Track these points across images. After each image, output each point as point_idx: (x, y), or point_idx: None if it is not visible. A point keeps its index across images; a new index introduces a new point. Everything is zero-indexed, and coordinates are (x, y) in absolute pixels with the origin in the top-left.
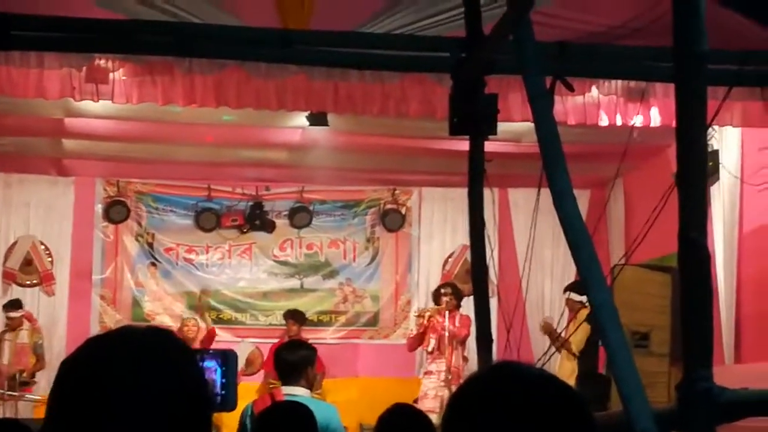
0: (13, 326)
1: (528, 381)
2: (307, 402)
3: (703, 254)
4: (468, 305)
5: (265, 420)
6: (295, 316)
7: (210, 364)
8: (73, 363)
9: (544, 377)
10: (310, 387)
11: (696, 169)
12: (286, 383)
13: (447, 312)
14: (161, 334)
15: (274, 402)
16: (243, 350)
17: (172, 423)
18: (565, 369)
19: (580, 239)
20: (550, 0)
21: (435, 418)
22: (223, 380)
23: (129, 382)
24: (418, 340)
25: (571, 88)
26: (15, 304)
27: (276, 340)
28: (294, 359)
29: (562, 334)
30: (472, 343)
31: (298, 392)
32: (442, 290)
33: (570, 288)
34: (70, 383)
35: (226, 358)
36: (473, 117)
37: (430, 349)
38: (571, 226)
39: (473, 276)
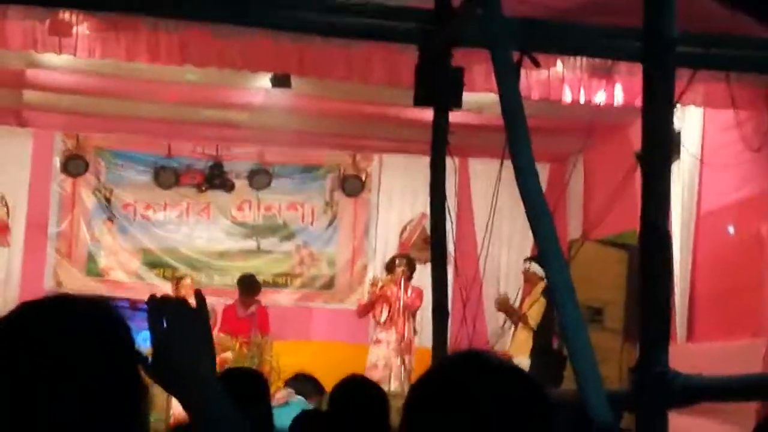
0: None
1: (497, 378)
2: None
3: (665, 239)
4: (420, 276)
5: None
6: (241, 285)
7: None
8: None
9: (515, 374)
10: None
11: (661, 154)
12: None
13: (401, 282)
14: (97, 307)
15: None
16: None
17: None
18: (519, 339)
19: (540, 216)
20: None
21: (385, 387)
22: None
23: (56, 358)
24: (369, 307)
25: (537, 64)
26: None
27: (231, 301)
28: None
29: (519, 308)
30: (420, 315)
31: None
32: (396, 261)
33: (532, 259)
34: None
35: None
36: (438, 89)
37: (382, 319)
38: (532, 202)
39: (432, 247)
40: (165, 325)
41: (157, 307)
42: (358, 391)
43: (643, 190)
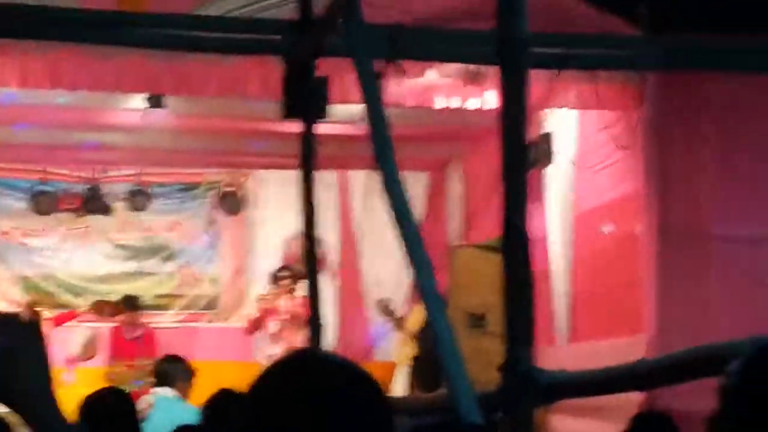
0: None
1: (323, 370)
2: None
3: (523, 238)
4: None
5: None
6: (125, 305)
7: None
8: None
9: (342, 366)
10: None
11: (516, 154)
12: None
13: (286, 294)
14: None
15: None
16: (79, 335)
17: None
18: (403, 352)
19: (405, 222)
20: None
21: None
22: None
23: None
24: (257, 322)
25: (401, 71)
26: None
27: (115, 324)
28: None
29: (399, 315)
30: None
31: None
32: (279, 273)
33: None
34: None
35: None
36: (304, 100)
37: (272, 331)
38: (397, 209)
39: (305, 260)
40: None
41: None
42: (232, 403)
43: (504, 193)
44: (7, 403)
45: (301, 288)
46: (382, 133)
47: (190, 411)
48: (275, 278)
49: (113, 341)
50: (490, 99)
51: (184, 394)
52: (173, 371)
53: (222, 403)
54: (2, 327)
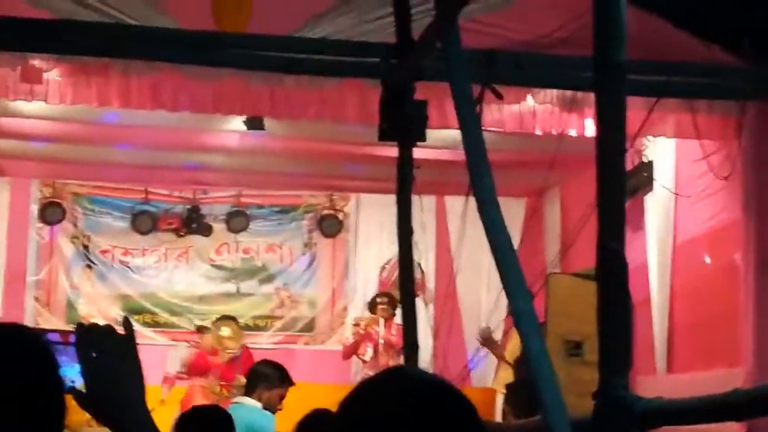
0: None
1: (418, 387)
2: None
3: (620, 262)
4: None
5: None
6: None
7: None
8: None
9: (435, 383)
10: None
11: (614, 178)
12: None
13: (383, 321)
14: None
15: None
16: (178, 354)
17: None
18: (500, 379)
19: (502, 247)
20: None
21: None
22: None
23: None
24: (353, 348)
25: (499, 96)
26: None
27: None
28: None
29: (501, 343)
30: None
31: (245, 401)
32: (378, 299)
33: None
34: None
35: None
36: (402, 123)
37: (366, 357)
38: (494, 233)
39: (401, 284)
40: (94, 354)
41: (85, 335)
42: (324, 421)
43: (598, 217)
44: (99, 416)
45: (398, 315)
46: (479, 158)
47: (264, 418)
48: (373, 305)
49: (204, 361)
50: (587, 125)
51: (267, 399)
52: (262, 372)
53: (314, 421)
54: (98, 338)
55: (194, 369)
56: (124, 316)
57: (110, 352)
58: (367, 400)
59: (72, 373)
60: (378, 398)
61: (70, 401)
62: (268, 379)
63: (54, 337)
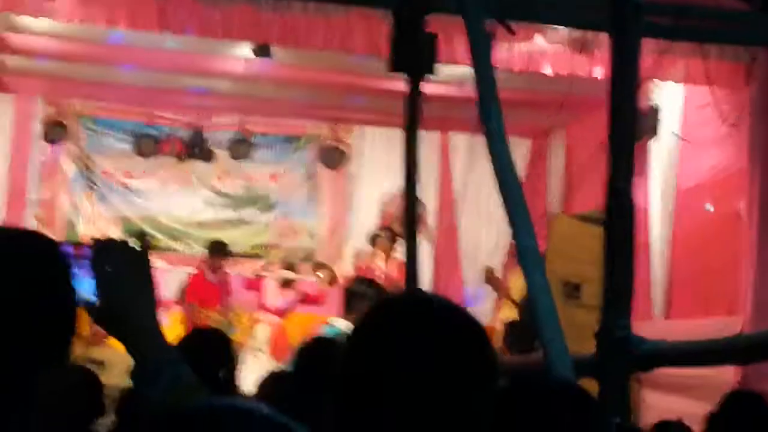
0: None
1: (433, 308)
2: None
3: (628, 203)
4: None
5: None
6: (212, 249)
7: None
8: None
9: (449, 307)
10: None
11: (625, 122)
12: None
13: (384, 255)
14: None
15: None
16: (176, 278)
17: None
18: (500, 317)
19: (508, 182)
20: None
21: None
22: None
23: None
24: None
25: (511, 31)
26: None
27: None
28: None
29: (504, 281)
30: None
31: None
32: (377, 234)
33: None
34: None
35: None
36: (412, 56)
37: None
38: (501, 168)
39: (404, 220)
40: (109, 269)
41: (102, 250)
42: (323, 350)
43: (609, 158)
44: (112, 331)
45: (399, 250)
46: (489, 93)
47: None
48: (374, 239)
49: (194, 285)
50: (597, 68)
51: None
52: (359, 291)
53: (317, 349)
54: (114, 253)
55: (190, 295)
56: (141, 232)
57: (125, 267)
58: (378, 325)
59: (83, 286)
60: (389, 323)
61: (83, 315)
62: (367, 298)
63: (68, 249)
